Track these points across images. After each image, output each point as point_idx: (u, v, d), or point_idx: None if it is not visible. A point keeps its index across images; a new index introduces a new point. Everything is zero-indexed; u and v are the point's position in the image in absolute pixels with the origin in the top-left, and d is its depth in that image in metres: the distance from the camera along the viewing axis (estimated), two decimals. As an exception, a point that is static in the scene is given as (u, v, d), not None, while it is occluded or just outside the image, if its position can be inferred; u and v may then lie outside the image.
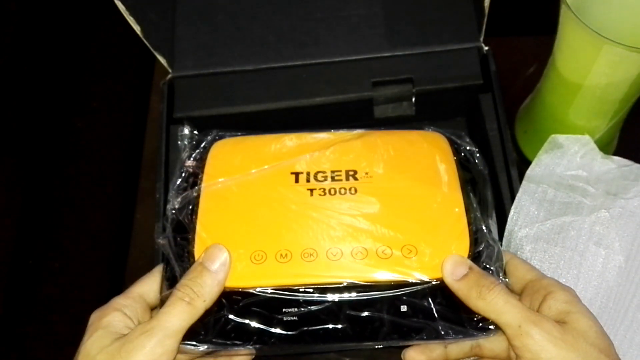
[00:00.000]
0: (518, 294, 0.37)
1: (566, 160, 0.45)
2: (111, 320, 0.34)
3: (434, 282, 0.36)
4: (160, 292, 0.37)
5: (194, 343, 0.35)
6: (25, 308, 0.53)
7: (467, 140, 0.43)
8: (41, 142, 0.59)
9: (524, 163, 0.48)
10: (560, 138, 0.45)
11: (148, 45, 0.45)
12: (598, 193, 0.43)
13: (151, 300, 0.37)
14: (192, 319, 0.34)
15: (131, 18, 0.43)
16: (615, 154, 0.51)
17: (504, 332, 0.34)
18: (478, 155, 0.43)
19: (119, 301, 0.36)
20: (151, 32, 0.45)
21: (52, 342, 0.51)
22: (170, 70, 0.47)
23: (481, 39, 0.47)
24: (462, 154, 0.43)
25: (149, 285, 0.37)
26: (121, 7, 0.42)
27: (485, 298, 0.34)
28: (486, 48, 0.47)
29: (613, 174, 0.44)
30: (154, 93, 0.58)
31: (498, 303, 0.34)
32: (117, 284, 0.52)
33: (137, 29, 0.44)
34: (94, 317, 0.35)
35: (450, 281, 0.35)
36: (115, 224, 0.55)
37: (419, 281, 0.36)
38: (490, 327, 0.35)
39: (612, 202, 0.42)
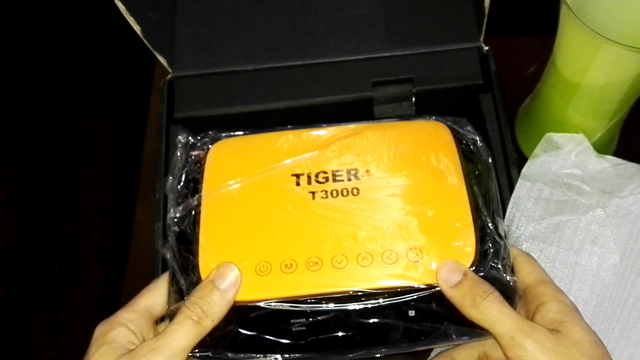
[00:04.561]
0: (520, 295, 0.36)
1: (561, 159, 0.45)
2: (116, 335, 0.34)
3: (437, 287, 0.35)
4: (168, 305, 0.37)
5: (205, 355, 0.35)
6: (25, 308, 0.52)
7: (469, 128, 0.42)
8: (41, 141, 0.59)
9: (524, 163, 0.48)
10: (555, 137, 0.45)
11: (148, 45, 0.45)
12: (593, 191, 0.42)
13: (156, 313, 0.37)
14: (199, 337, 0.34)
15: (131, 18, 0.43)
16: (615, 154, 0.51)
17: (498, 343, 0.34)
18: (481, 144, 0.42)
19: (124, 315, 0.35)
20: (151, 32, 0.45)
21: (52, 342, 0.51)
22: (170, 70, 0.47)
23: (481, 39, 0.47)
24: (465, 144, 0.42)
25: (155, 297, 0.37)
26: (121, 7, 0.42)
27: (479, 307, 0.34)
28: (486, 48, 0.47)
29: (607, 172, 0.44)
30: (154, 93, 0.58)
31: (491, 313, 0.33)
32: (117, 284, 0.52)
33: (137, 29, 0.44)
34: (98, 331, 0.35)
35: (444, 288, 0.35)
36: (115, 224, 0.55)
37: (425, 285, 0.35)
38: None
39: (607, 201, 0.42)
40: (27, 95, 0.61)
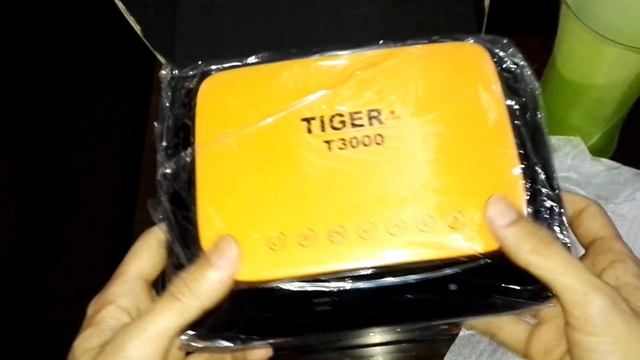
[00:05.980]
0: (583, 246, 0.32)
1: (557, 162, 0.45)
2: (104, 315, 0.31)
3: (484, 257, 0.30)
4: (165, 282, 0.32)
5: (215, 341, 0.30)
6: (25, 308, 0.53)
7: (513, 51, 0.35)
8: (41, 141, 0.59)
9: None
10: (553, 139, 0.45)
11: (148, 45, 0.45)
12: (589, 197, 0.43)
13: (150, 277, 0.33)
14: (183, 318, 0.29)
15: (131, 18, 0.43)
16: (615, 154, 0.51)
17: (559, 298, 0.28)
18: (527, 70, 0.35)
19: (114, 290, 0.32)
20: (151, 32, 0.45)
21: (52, 342, 0.51)
22: (170, 70, 0.47)
23: (481, 39, 0.47)
24: (508, 72, 0.35)
25: (146, 260, 0.33)
26: (121, 7, 0.43)
27: (542, 253, 0.28)
28: (486, 48, 0.46)
29: (602, 177, 0.44)
30: (154, 93, 0.58)
31: (558, 261, 0.28)
32: (117, 283, 0.52)
33: (137, 29, 0.44)
34: (90, 310, 0.32)
35: (495, 227, 0.29)
36: (115, 224, 0.55)
37: (466, 258, 0.30)
38: (548, 294, 0.29)
39: (603, 206, 0.42)
40: (27, 95, 0.61)
